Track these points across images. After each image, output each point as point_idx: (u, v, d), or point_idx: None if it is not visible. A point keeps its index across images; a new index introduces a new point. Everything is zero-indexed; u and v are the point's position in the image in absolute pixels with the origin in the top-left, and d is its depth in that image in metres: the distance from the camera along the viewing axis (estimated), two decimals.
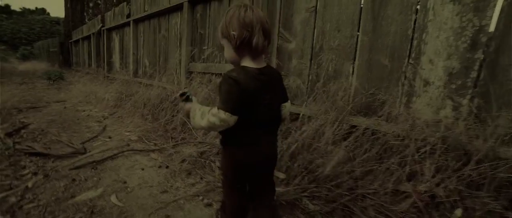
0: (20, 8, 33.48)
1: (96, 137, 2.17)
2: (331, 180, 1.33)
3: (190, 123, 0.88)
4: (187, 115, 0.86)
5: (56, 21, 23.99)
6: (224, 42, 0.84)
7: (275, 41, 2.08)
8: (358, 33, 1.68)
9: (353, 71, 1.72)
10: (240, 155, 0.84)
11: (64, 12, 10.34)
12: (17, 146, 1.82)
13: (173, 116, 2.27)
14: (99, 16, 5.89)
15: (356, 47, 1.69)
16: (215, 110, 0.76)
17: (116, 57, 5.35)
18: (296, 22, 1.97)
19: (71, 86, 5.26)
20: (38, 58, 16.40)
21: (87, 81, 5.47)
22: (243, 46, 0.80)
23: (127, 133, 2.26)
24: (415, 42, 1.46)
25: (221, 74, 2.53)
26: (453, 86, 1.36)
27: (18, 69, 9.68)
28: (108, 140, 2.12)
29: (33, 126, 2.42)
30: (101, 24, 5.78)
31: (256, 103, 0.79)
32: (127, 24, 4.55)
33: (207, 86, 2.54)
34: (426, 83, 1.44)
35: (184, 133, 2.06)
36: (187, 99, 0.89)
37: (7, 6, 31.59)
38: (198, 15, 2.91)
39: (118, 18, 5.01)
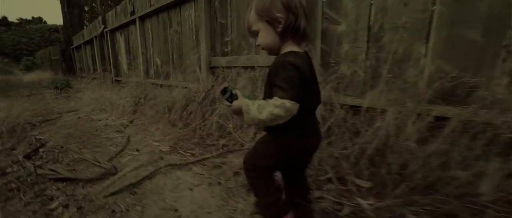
0: (17, 19, 33.17)
1: (122, 150, 1.93)
2: (436, 187, 1.06)
3: (244, 119, 0.75)
4: (236, 113, 0.78)
5: (54, 28, 23.74)
6: (262, 26, 0.77)
7: (318, 24, 1.77)
8: (433, 6, 1.36)
9: (426, 52, 1.41)
10: (291, 142, 0.81)
11: (62, 19, 10.03)
12: (39, 171, 1.59)
13: (204, 119, 2.01)
14: (100, 18, 5.58)
15: (430, 22, 1.38)
16: (278, 100, 0.69)
17: (122, 59, 5.08)
18: (346, 0, 1.65)
19: (80, 94, 5.04)
20: (41, 67, 16.27)
21: (95, 87, 5.23)
22: (288, 31, 0.75)
23: (156, 143, 2.01)
24: None
25: (253, 67, 2.24)
26: None
27: (24, 81, 9.53)
28: (136, 153, 1.87)
29: (50, 142, 2.20)
30: (103, 26, 5.47)
31: (309, 89, 0.77)
32: (132, 22, 4.24)
33: (235, 82, 2.26)
34: None
35: (223, 138, 1.80)
36: (231, 95, 0.80)
37: (4, 18, 31.33)
38: (216, 3, 2.58)
39: (121, 17, 4.70)
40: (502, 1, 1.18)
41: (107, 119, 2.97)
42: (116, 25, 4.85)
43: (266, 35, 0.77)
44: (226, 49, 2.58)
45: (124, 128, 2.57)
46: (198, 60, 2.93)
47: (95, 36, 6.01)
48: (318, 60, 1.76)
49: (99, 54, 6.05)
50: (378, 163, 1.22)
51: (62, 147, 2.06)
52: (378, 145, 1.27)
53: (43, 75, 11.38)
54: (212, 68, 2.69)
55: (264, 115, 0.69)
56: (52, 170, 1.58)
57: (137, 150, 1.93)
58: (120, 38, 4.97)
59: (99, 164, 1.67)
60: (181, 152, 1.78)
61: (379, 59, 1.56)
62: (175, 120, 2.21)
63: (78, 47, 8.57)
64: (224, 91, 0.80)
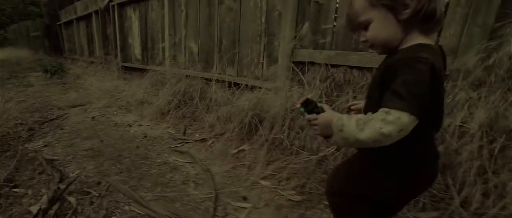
0: None
1: (216, 199, 1.16)
2: None
3: (333, 140, 0.47)
4: (324, 130, 0.59)
5: (30, 1, 21.18)
6: (377, 14, 0.57)
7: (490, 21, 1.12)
8: None
9: None
10: (407, 173, 0.61)
11: None
12: None
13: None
14: None
15: None
16: (391, 112, 0.49)
17: (134, 41, 4.15)
18: None
19: (81, 82, 4.08)
20: (15, 44, 14.36)
21: (99, 74, 4.29)
22: (417, 18, 0.55)
23: (266, 182, 1.25)
24: None
25: (369, 69, 1.57)
26: None
27: None
28: (246, 205, 1.13)
29: (76, 173, 1.40)
30: None
31: (439, 101, 0.58)
32: None
33: (342, 88, 1.57)
34: None
35: None
36: (315, 107, 0.65)
37: None
38: None
39: None
40: None
41: (139, 124, 2.18)
42: None
43: (383, 26, 0.58)
44: (322, 41, 1.86)
45: (181, 144, 1.80)
46: (269, 50, 2.19)
47: (96, 11, 4.95)
48: None
49: (101, 34, 5.02)
50: None
51: (99, 184, 1.28)
52: None
53: (20, 53, 9.83)
54: (296, 64, 1.97)
55: (366, 134, 0.51)
56: None
57: (244, 198, 1.18)
58: (133, 15, 4.02)
59: None
60: (323, 203, 1.07)
61: None
62: (272, 139, 1.45)
63: (68, 23, 7.30)
64: (306, 103, 0.66)
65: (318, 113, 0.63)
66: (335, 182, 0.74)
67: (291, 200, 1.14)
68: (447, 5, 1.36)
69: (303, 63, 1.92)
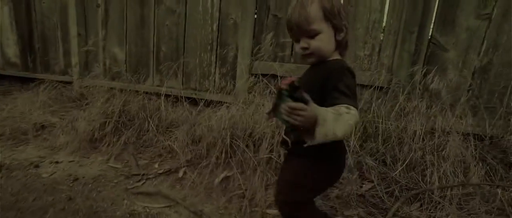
0: None
1: None
2: None
3: (309, 135, 0.48)
4: (307, 125, 0.51)
5: None
6: (326, 29, 0.66)
7: (421, 48, 1.58)
8: None
9: None
10: (339, 160, 0.77)
11: None
12: None
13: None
14: None
15: None
16: (351, 108, 0.56)
17: (3, 37, 2.92)
18: (459, 29, 1.55)
19: None
20: None
21: None
22: (342, 43, 0.71)
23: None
24: None
25: None
26: None
27: None
28: None
29: None
30: None
31: None
32: None
33: None
34: None
35: None
36: (297, 98, 0.52)
37: None
38: None
39: None
40: None
41: (54, 161, 1.48)
42: None
43: (327, 41, 0.67)
44: (281, 54, 1.91)
45: (140, 182, 1.31)
46: (222, 60, 2.05)
47: None
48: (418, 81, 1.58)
49: None
50: None
51: None
52: None
53: None
54: (254, 76, 1.94)
55: (341, 128, 0.53)
56: None
57: None
58: None
59: None
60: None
61: (482, 90, 1.55)
62: (261, 160, 1.29)
63: None
64: (291, 86, 0.52)
65: (302, 98, 0.52)
66: (284, 191, 0.77)
67: None
68: (383, 31, 1.71)
69: (264, 75, 1.91)
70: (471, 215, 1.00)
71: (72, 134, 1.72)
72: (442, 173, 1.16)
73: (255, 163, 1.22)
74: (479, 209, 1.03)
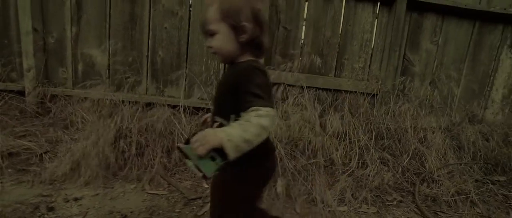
0: None
1: None
2: None
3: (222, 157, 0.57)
4: (211, 140, 0.55)
5: None
6: (223, 29, 0.66)
7: (399, 63, 2.08)
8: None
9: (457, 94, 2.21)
10: (267, 162, 0.74)
11: None
12: None
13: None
14: None
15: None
16: (261, 109, 0.57)
17: None
18: (421, 50, 2.10)
19: None
20: None
21: None
22: (251, 44, 0.68)
23: None
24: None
25: (330, 90, 2.06)
26: None
27: None
28: None
29: None
30: None
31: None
32: None
33: (307, 108, 1.95)
34: None
35: None
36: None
37: None
38: (282, 1, 1.97)
39: None
40: (483, 74, 2.23)
41: (73, 199, 1.13)
42: None
43: (225, 41, 0.67)
44: (289, 64, 2.07)
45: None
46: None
47: None
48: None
49: None
50: None
51: None
52: None
53: None
54: None
55: (251, 131, 0.55)
56: None
57: None
58: None
59: None
60: None
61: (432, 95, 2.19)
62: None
63: None
64: (188, 141, 0.59)
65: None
66: (218, 213, 0.75)
67: None
68: (373, 49, 2.10)
69: (274, 84, 2.03)
70: (460, 185, 1.46)
71: (68, 160, 1.40)
72: (433, 158, 1.60)
73: (312, 168, 1.37)
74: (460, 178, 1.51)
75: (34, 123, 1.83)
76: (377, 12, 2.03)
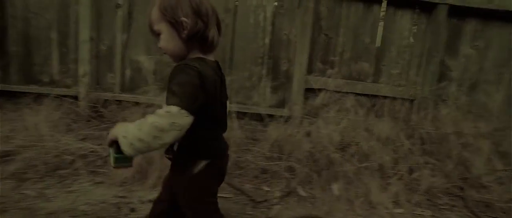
0: None
1: None
2: None
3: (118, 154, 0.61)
4: (110, 141, 0.61)
5: None
6: (165, 28, 0.66)
7: (437, 69, 2.09)
8: None
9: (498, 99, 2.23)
10: (214, 161, 0.71)
11: None
12: None
13: None
14: None
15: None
16: (166, 107, 0.56)
17: None
18: (460, 55, 2.12)
19: None
20: None
21: None
22: (195, 39, 0.66)
23: None
24: None
25: (368, 95, 2.11)
26: None
27: None
28: None
29: None
30: None
31: (215, 101, 0.68)
32: None
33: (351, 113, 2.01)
34: None
35: None
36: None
37: None
38: (322, 8, 2.03)
39: None
40: None
41: (148, 201, 1.25)
42: None
43: (169, 39, 0.66)
44: (329, 70, 2.13)
45: (282, 216, 1.22)
46: (274, 74, 2.13)
47: None
48: None
49: None
50: None
51: None
52: None
53: None
54: (307, 91, 2.10)
55: (144, 130, 0.55)
56: None
57: None
58: None
59: None
60: None
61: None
62: None
63: None
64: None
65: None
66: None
67: None
68: (411, 54, 2.14)
69: (316, 90, 2.09)
70: None
71: (134, 163, 1.51)
72: (478, 164, 1.65)
73: (364, 172, 1.44)
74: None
75: (90, 126, 1.95)
76: (416, 18, 2.07)
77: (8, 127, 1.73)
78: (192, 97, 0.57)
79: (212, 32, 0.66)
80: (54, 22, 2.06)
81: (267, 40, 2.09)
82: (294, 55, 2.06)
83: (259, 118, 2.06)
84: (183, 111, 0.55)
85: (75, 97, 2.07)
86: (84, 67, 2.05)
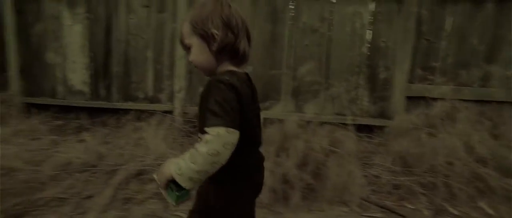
0: None
1: None
2: None
3: (177, 189, 0.58)
4: (164, 177, 0.59)
5: None
6: (196, 41, 0.65)
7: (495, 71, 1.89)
8: None
9: None
10: (251, 175, 0.70)
11: None
12: None
13: None
14: None
15: None
16: (212, 130, 0.54)
17: (68, 60, 2.22)
18: None
19: None
20: None
21: None
22: (226, 51, 0.65)
23: None
24: None
25: (477, 101, 1.94)
26: None
27: None
28: None
29: None
30: None
31: (249, 113, 0.65)
32: None
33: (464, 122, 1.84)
34: None
35: None
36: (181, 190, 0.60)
37: None
38: (424, 12, 1.93)
39: None
40: None
41: None
42: None
43: (199, 53, 0.66)
44: (430, 77, 2.00)
45: None
46: (372, 83, 2.03)
47: None
48: None
49: None
50: None
51: None
52: None
53: None
54: (409, 99, 1.98)
55: (199, 163, 0.54)
56: None
57: None
58: (67, 15, 2.14)
59: None
60: None
61: None
62: None
63: None
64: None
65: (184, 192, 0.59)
66: None
67: None
68: None
69: (417, 98, 1.97)
70: None
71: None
72: None
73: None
74: None
75: (190, 141, 1.95)
76: None
77: (120, 141, 1.78)
78: (233, 113, 0.57)
79: (243, 44, 0.66)
80: (150, 41, 2.13)
81: (364, 49, 2.01)
82: (393, 62, 1.97)
83: (360, 128, 1.96)
84: (230, 129, 0.54)
85: (169, 112, 2.11)
86: (179, 83, 2.09)
